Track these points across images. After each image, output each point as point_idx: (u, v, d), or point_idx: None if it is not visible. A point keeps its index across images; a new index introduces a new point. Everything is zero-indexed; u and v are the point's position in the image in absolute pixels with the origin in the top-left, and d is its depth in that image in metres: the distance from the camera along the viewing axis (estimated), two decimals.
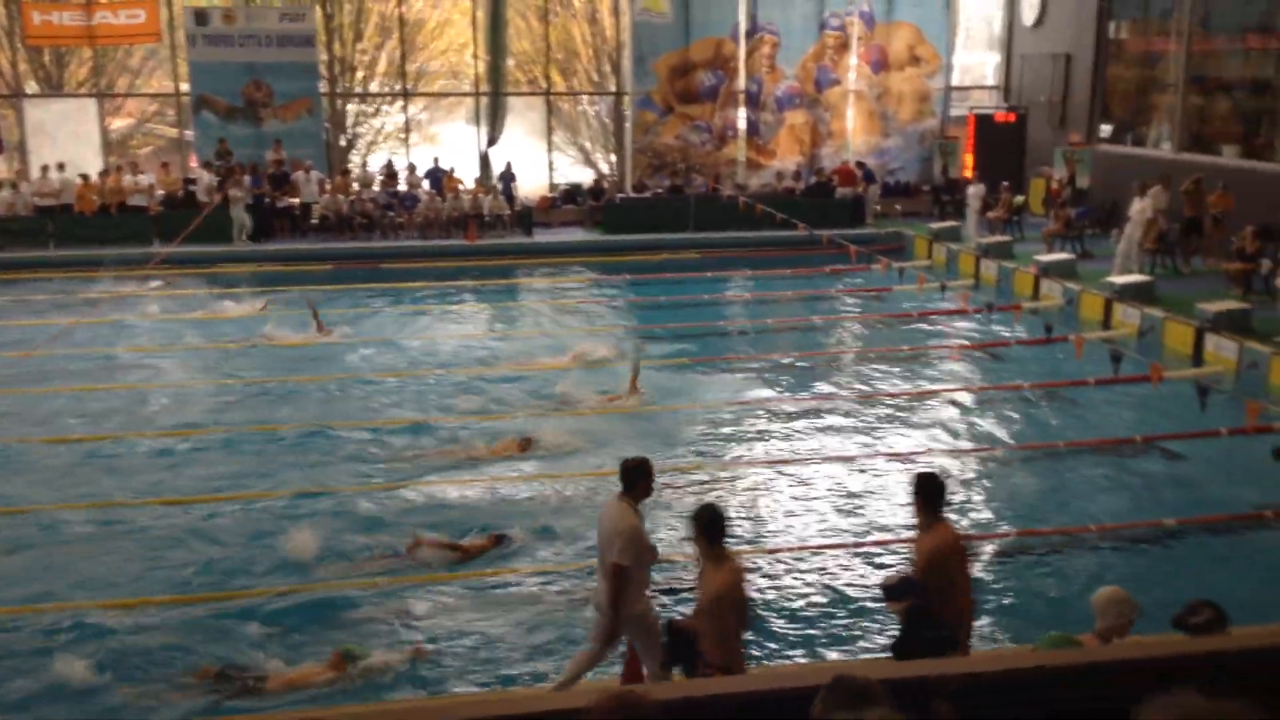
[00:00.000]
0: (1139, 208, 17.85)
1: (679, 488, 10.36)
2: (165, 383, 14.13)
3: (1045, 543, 9.37)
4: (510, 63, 25.97)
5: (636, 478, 6.42)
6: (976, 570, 8.87)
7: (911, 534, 8.91)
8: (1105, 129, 23.50)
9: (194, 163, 24.52)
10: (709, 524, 5.94)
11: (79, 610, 8.14)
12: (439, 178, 24.24)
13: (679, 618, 6.53)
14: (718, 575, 5.88)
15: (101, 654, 7.53)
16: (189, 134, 25.08)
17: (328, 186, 23.67)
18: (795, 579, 8.74)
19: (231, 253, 21.75)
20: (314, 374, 14.37)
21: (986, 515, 10.04)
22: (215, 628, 7.91)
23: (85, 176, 22.60)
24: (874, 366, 14.81)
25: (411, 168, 24.73)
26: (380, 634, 7.85)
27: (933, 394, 13.54)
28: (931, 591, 5.97)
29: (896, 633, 6.35)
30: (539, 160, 26.32)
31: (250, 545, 9.26)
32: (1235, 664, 4.31)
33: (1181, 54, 20.87)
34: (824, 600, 8.42)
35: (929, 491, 6.23)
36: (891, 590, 6.19)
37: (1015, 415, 12.75)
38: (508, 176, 24.42)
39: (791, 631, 8.00)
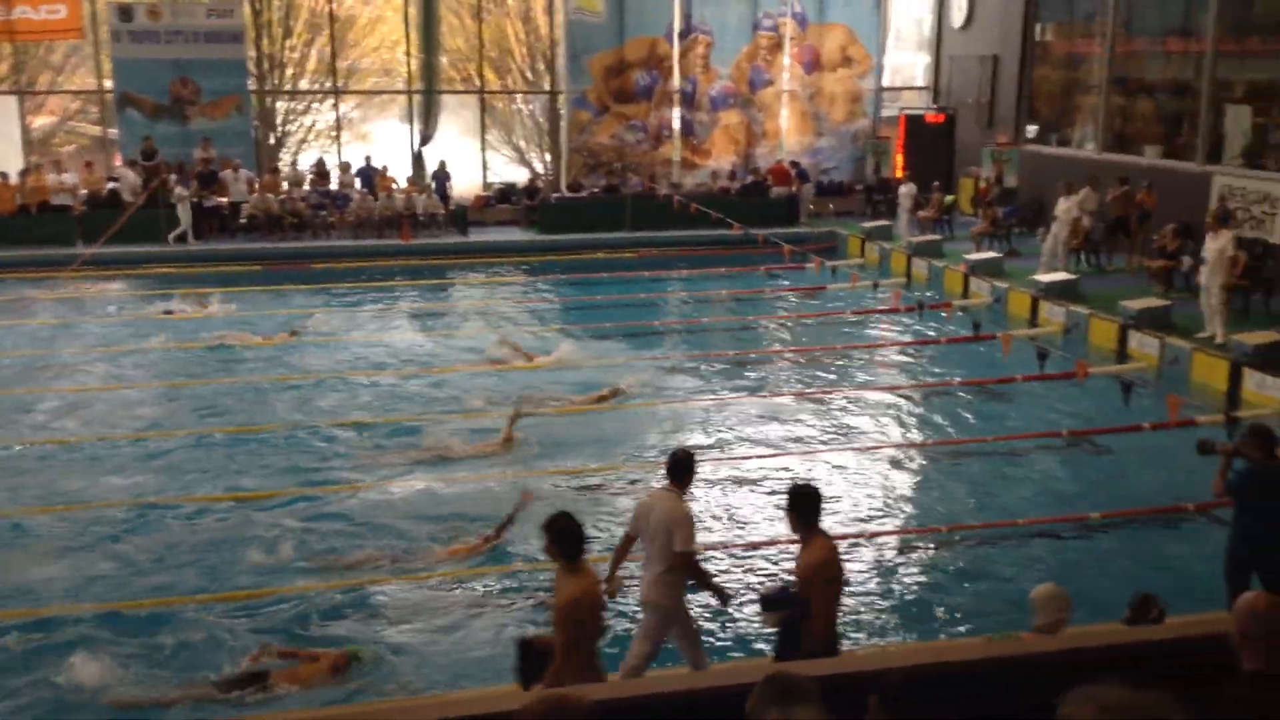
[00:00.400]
0: (1065, 207, 18.23)
1: (612, 490, 10.36)
2: (93, 386, 13.81)
3: (973, 536, 9.49)
4: (443, 60, 25.79)
5: (686, 469, 6.61)
6: (907, 567, 9.00)
7: (842, 532, 9.02)
8: (1031, 129, 23.94)
9: (118, 161, 23.98)
10: (560, 535, 5.71)
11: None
12: (371, 176, 23.98)
13: (531, 634, 6.49)
14: (570, 583, 5.65)
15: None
16: (113, 132, 24.53)
17: (257, 185, 23.30)
18: (730, 577, 8.78)
19: (161, 253, 21.27)
20: (250, 375, 14.21)
21: (915, 511, 10.18)
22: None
23: (4, 175, 22.01)
24: (806, 365, 14.92)
25: (344, 166, 24.45)
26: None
27: (863, 391, 13.68)
28: (812, 604, 5.95)
29: (773, 644, 6.34)
30: (473, 159, 26.15)
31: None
32: (1169, 653, 4.41)
33: (1105, 56, 21.33)
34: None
35: (804, 505, 6.05)
36: (769, 602, 6.14)
37: (944, 412, 12.91)
38: (442, 175, 24.23)
39: (726, 630, 8.03)
